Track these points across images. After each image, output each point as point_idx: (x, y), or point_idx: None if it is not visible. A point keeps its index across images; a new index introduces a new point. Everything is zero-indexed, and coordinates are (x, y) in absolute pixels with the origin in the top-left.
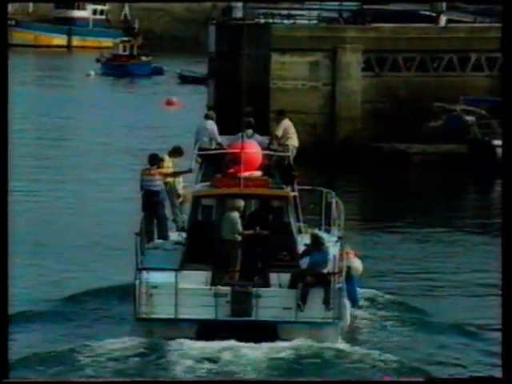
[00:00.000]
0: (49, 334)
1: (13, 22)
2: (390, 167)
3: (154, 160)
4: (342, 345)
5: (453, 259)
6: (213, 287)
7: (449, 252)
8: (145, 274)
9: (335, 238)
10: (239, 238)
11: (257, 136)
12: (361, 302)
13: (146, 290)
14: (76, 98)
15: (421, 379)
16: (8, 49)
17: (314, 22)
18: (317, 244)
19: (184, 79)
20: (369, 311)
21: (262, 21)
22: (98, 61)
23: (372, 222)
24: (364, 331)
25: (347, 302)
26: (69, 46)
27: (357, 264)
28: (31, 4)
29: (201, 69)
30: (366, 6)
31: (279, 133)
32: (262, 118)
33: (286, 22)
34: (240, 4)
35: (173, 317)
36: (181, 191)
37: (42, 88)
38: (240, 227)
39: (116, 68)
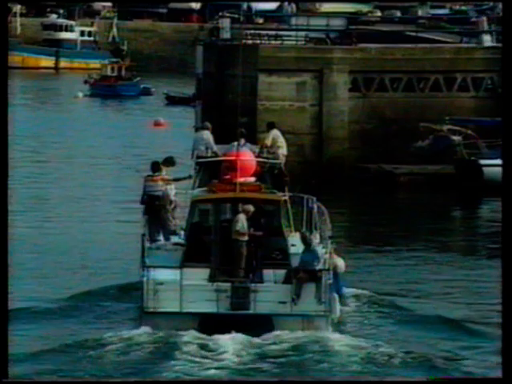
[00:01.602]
0: (60, 328)
1: None
2: (377, 188)
3: (157, 167)
4: (332, 334)
5: (439, 277)
6: (214, 283)
7: (435, 272)
8: (151, 272)
9: (317, 241)
10: (244, 238)
11: (248, 145)
12: (347, 299)
13: (152, 287)
14: (64, 119)
15: (421, 379)
16: (8, 48)
17: (301, 42)
18: (306, 243)
19: (171, 100)
20: (355, 307)
21: (250, 41)
22: (86, 82)
23: (359, 242)
24: (351, 323)
25: (336, 297)
26: (57, 68)
27: (340, 262)
28: (19, 26)
29: (188, 90)
30: (352, 27)
31: (268, 142)
32: (249, 139)
33: (273, 42)
34: (227, 25)
35: (177, 310)
36: (173, 197)
37: (30, 110)
38: (244, 228)
39: (104, 89)
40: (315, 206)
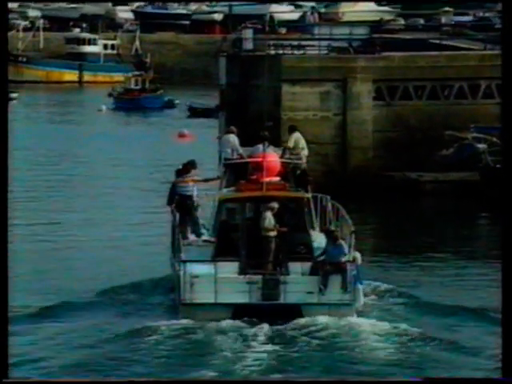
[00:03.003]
0: (103, 320)
1: (24, 59)
2: (401, 196)
3: (187, 169)
4: (358, 319)
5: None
6: (246, 276)
7: (459, 281)
8: (188, 266)
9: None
10: (273, 233)
11: (271, 147)
12: (364, 287)
13: (188, 280)
14: (88, 132)
15: (421, 379)
16: (7, 48)
17: (324, 52)
18: (332, 238)
19: (194, 112)
20: (375, 298)
21: (273, 52)
22: (110, 95)
23: (384, 250)
24: (373, 311)
25: (360, 287)
26: (80, 82)
27: (358, 255)
28: (42, 40)
29: (211, 101)
30: (375, 35)
31: (291, 144)
32: (271, 144)
33: (296, 52)
34: (250, 36)
35: (212, 301)
36: (195, 198)
37: (54, 124)
38: (271, 224)
39: (128, 102)
40: (329, 205)
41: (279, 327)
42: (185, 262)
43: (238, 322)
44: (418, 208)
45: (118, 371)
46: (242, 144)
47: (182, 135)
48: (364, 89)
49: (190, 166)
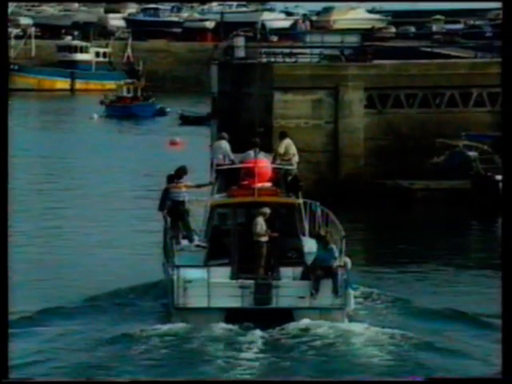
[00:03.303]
0: (97, 324)
1: (15, 67)
2: (393, 204)
3: (184, 172)
4: (350, 324)
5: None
6: (238, 280)
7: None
8: (181, 271)
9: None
10: (264, 238)
11: (262, 153)
12: (355, 291)
13: (182, 284)
14: (80, 140)
15: (421, 379)
16: (8, 47)
17: (316, 59)
18: (323, 242)
19: (185, 119)
20: (366, 303)
21: (264, 60)
22: (101, 103)
23: (375, 258)
24: (364, 315)
25: (351, 291)
26: (72, 89)
27: (347, 260)
28: (33, 48)
29: (202, 109)
30: (366, 43)
31: (281, 150)
32: (262, 150)
33: (287, 60)
34: (242, 43)
35: (205, 306)
36: (187, 204)
37: (46, 131)
38: (262, 229)
39: (120, 110)
40: (319, 210)
41: (271, 332)
42: (178, 267)
43: (230, 327)
44: (409, 216)
45: (111, 374)
46: (234, 150)
47: (173, 143)
48: (355, 97)
49: (181, 171)
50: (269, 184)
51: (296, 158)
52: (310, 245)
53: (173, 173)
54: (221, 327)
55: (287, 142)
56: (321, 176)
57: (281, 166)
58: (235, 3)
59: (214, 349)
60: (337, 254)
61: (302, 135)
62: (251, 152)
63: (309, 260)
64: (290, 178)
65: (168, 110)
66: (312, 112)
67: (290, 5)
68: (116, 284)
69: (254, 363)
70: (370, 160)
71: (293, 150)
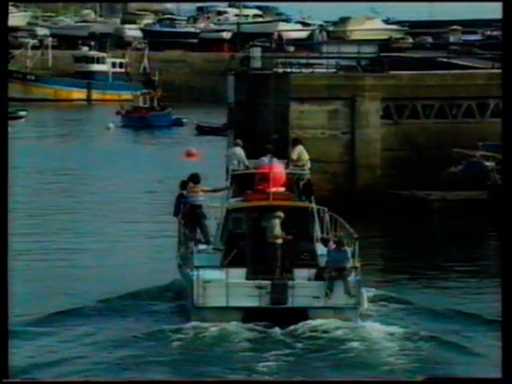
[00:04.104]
0: (118, 324)
1: (32, 77)
2: (410, 214)
3: (197, 179)
4: (361, 323)
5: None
6: (255, 281)
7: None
8: (200, 272)
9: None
10: (280, 241)
11: (275, 159)
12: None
13: (201, 284)
14: (96, 150)
15: (421, 379)
16: (8, 46)
17: (333, 70)
18: (338, 244)
19: (201, 130)
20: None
21: (281, 70)
22: (118, 113)
23: (392, 269)
24: (375, 315)
25: (364, 291)
26: (89, 100)
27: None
28: (50, 58)
29: (219, 119)
30: (383, 54)
31: (294, 156)
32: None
33: (304, 70)
34: (258, 54)
35: (224, 305)
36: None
37: (62, 142)
38: (279, 232)
39: (136, 120)
40: (327, 216)
41: (288, 330)
42: (197, 268)
43: (249, 326)
44: (425, 227)
45: (137, 373)
46: (249, 158)
47: (189, 154)
48: (372, 107)
49: (196, 177)
50: (282, 189)
51: (308, 164)
52: (322, 247)
53: (185, 179)
54: (239, 326)
55: (300, 148)
56: (337, 186)
57: (294, 172)
58: (251, 13)
59: (235, 347)
60: (350, 255)
61: (318, 145)
62: (265, 158)
63: (321, 262)
64: (302, 182)
65: (185, 120)
66: (328, 122)
67: (306, 15)
68: (132, 286)
69: (275, 361)
70: (386, 170)
71: (305, 156)
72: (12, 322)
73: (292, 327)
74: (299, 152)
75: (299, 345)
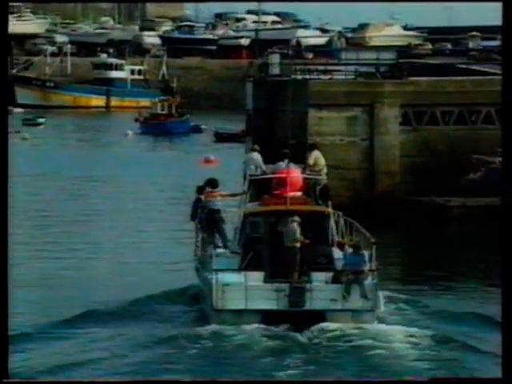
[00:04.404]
0: (137, 328)
1: (51, 84)
2: (429, 221)
3: (215, 184)
4: (378, 326)
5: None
6: (274, 284)
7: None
8: (219, 275)
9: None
10: (298, 244)
11: (292, 164)
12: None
13: (220, 287)
14: (114, 157)
15: (421, 379)
16: (8, 44)
17: (351, 76)
18: (356, 248)
19: (219, 137)
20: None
21: (299, 77)
22: (136, 120)
23: (411, 276)
24: (393, 318)
25: (381, 294)
26: (107, 107)
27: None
28: (69, 65)
29: (237, 126)
30: (402, 60)
31: (311, 161)
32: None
33: (322, 77)
34: (277, 61)
35: (242, 308)
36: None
37: (81, 149)
38: (297, 236)
39: (154, 127)
40: (341, 220)
41: (307, 333)
42: (216, 271)
43: (268, 328)
44: (444, 233)
45: (161, 374)
46: (265, 162)
47: (207, 161)
48: (391, 114)
49: (213, 183)
50: (299, 193)
51: (325, 169)
52: (338, 251)
53: (202, 184)
54: (259, 328)
55: (316, 153)
56: (356, 193)
57: (311, 176)
58: (269, 20)
59: (256, 349)
60: (367, 259)
61: (337, 152)
62: (282, 163)
63: (338, 266)
64: (318, 187)
65: (203, 127)
66: (347, 129)
67: (325, 21)
68: (149, 290)
69: (296, 363)
70: (405, 177)
71: (322, 161)
72: (29, 325)
73: (311, 330)
74: (316, 157)
75: (317, 348)
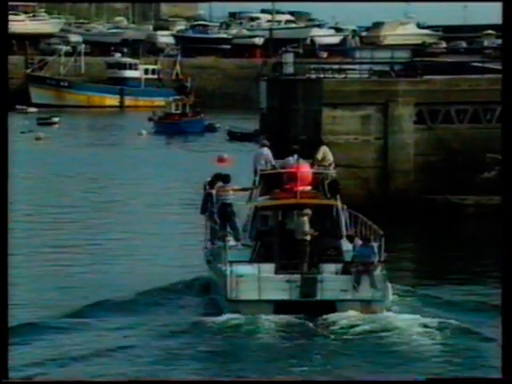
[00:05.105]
0: (154, 317)
1: (65, 84)
2: (443, 219)
3: (227, 179)
4: (387, 314)
5: None
6: (286, 275)
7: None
8: (233, 266)
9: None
10: (308, 237)
11: (301, 160)
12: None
13: (234, 279)
14: (129, 156)
15: (421, 379)
16: (8, 43)
17: (365, 75)
18: (366, 240)
19: (233, 136)
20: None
21: (313, 76)
22: (150, 119)
23: (426, 274)
24: (401, 308)
25: (389, 285)
26: (121, 106)
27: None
28: (83, 65)
29: (252, 125)
30: (416, 59)
31: (319, 156)
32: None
33: (337, 76)
34: (291, 60)
35: (256, 298)
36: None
37: (95, 148)
38: (308, 229)
39: (168, 126)
40: (346, 213)
41: (321, 322)
42: (231, 263)
43: (281, 318)
44: (460, 231)
45: (178, 364)
46: (276, 158)
47: (221, 159)
48: (405, 112)
49: (226, 178)
50: (309, 187)
51: (333, 164)
52: (347, 243)
53: (212, 179)
54: (273, 318)
55: (324, 149)
56: (370, 192)
57: (320, 171)
58: (283, 19)
59: (273, 339)
60: (376, 251)
61: (351, 151)
62: (291, 158)
63: (347, 257)
64: (327, 181)
65: (218, 126)
66: (361, 128)
67: (339, 20)
68: (160, 281)
69: (311, 353)
70: (419, 176)
71: (330, 156)
72: (47, 315)
73: (323, 320)
74: (324, 152)
75: (330, 337)
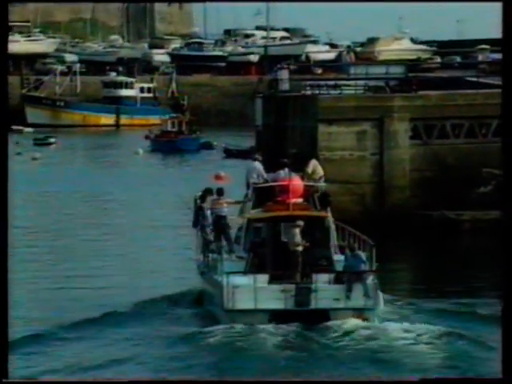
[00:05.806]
0: (152, 327)
1: (61, 103)
2: (440, 235)
3: (221, 192)
4: (379, 323)
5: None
6: (281, 285)
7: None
8: (230, 277)
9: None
10: (300, 248)
11: (292, 174)
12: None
13: (231, 289)
14: (125, 175)
15: (421, 379)
16: (8, 43)
17: (361, 91)
18: (352, 250)
19: (229, 153)
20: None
21: (309, 92)
22: (146, 137)
23: (422, 290)
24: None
25: (381, 294)
26: (117, 125)
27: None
28: (79, 84)
29: (247, 142)
30: (411, 74)
31: (309, 170)
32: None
33: (332, 92)
34: (286, 76)
35: (252, 307)
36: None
37: (91, 167)
38: (300, 240)
39: (165, 144)
40: (333, 225)
41: (316, 331)
42: (227, 273)
43: (276, 326)
44: (456, 247)
45: (180, 372)
46: (266, 171)
47: (218, 177)
48: (401, 128)
49: (220, 191)
50: (301, 200)
51: (323, 178)
52: (338, 254)
53: (203, 193)
54: (269, 327)
55: (314, 162)
56: (366, 207)
57: (312, 184)
58: (278, 36)
59: (269, 347)
60: (364, 259)
61: (346, 167)
62: (281, 172)
63: (338, 267)
64: (316, 195)
65: (215, 143)
66: (357, 143)
67: (334, 36)
68: (154, 293)
69: (309, 359)
70: (415, 191)
71: (320, 170)
72: (48, 326)
73: (317, 328)
74: (314, 166)
75: (325, 345)
